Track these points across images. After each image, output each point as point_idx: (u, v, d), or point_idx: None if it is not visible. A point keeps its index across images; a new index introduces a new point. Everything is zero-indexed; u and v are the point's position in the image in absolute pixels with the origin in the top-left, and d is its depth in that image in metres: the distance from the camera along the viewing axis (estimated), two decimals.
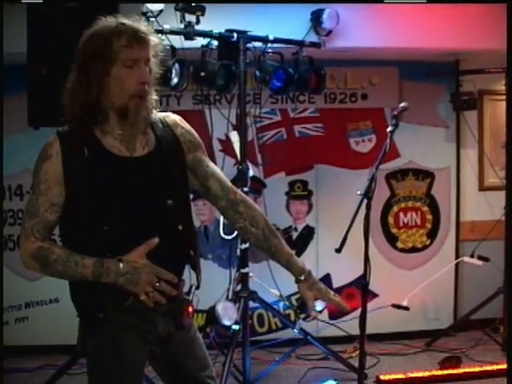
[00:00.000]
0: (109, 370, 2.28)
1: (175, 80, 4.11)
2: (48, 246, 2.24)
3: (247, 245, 4.41)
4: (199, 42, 4.21)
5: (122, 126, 2.28)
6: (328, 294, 2.54)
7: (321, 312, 4.84)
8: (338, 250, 3.33)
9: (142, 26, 2.26)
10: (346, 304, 2.54)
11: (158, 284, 2.22)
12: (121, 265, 2.18)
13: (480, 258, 5.30)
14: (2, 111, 4.09)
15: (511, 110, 3.86)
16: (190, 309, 2.42)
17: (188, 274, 2.49)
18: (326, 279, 5.41)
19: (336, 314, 5.25)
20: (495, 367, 4.58)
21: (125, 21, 2.24)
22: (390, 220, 5.59)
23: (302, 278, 2.52)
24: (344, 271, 5.25)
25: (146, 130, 2.35)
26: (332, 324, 5.32)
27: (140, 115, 2.28)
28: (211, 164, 2.51)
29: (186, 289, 2.45)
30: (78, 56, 2.24)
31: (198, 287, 2.47)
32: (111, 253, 2.21)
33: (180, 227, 2.37)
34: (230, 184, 2.50)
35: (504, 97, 5.18)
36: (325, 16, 4.58)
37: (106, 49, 2.18)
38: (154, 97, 2.33)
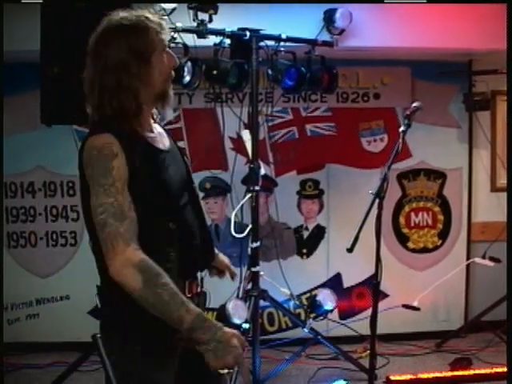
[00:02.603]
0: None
1: (187, 78, 4.12)
2: (155, 264, 2.05)
3: (258, 243, 4.41)
4: (212, 40, 4.21)
5: (150, 114, 2.32)
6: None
7: (331, 311, 4.86)
8: (350, 250, 3.34)
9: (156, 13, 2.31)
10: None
11: (232, 371, 2.13)
12: (219, 333, 2.05)
13: (491, 259, 5.29)
14: (2, 111, 4.11)
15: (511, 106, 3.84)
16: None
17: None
18: (337, 278, 5.42)
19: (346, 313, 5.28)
20: (506, 369, 4.56)
21: (139, 11, 2.25)
22: (402, 220, 5.58)
23: None
24: (355, 271, 5.24)
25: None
26: (342, 324, 5.33)
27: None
28: None
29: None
30: (112, 52, 2.18)
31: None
32: (172, 248, 2.21)
33: (209, 220, 2.43)
34: None
35: None
36: (337, 15, 4.56)
37: (144, 39, 2.19)
38: None
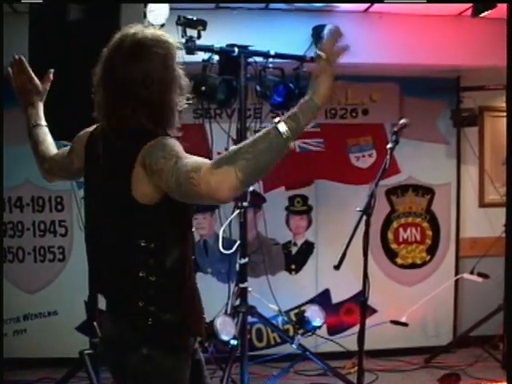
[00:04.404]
0: None
1: None
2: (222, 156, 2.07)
3: (246, 259, 4.41)
4: (200, 56, 4.22)
5: None
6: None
7: (320, 327, 4.83)
8: (337, 267, 3.33)
9: None
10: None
11: None
12: (315, 98, 2.05)
13: (480, 274, 5.29)
14: (2, 123, 4.09)
15: (511, 114, 3.85)
16: None
17: None
18: (325, 294, 5.41)
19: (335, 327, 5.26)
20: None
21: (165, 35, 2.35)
22: (390, 236, 5.58)
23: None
24: (343, 286, 5.24)
25: None
26: (330, 340, 5.32)
27: None
28: None
29: None
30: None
31: None
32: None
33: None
34: None
35: (505, 114, 5.17)
36: (326, 31, 4.57)
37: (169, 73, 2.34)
38: None
